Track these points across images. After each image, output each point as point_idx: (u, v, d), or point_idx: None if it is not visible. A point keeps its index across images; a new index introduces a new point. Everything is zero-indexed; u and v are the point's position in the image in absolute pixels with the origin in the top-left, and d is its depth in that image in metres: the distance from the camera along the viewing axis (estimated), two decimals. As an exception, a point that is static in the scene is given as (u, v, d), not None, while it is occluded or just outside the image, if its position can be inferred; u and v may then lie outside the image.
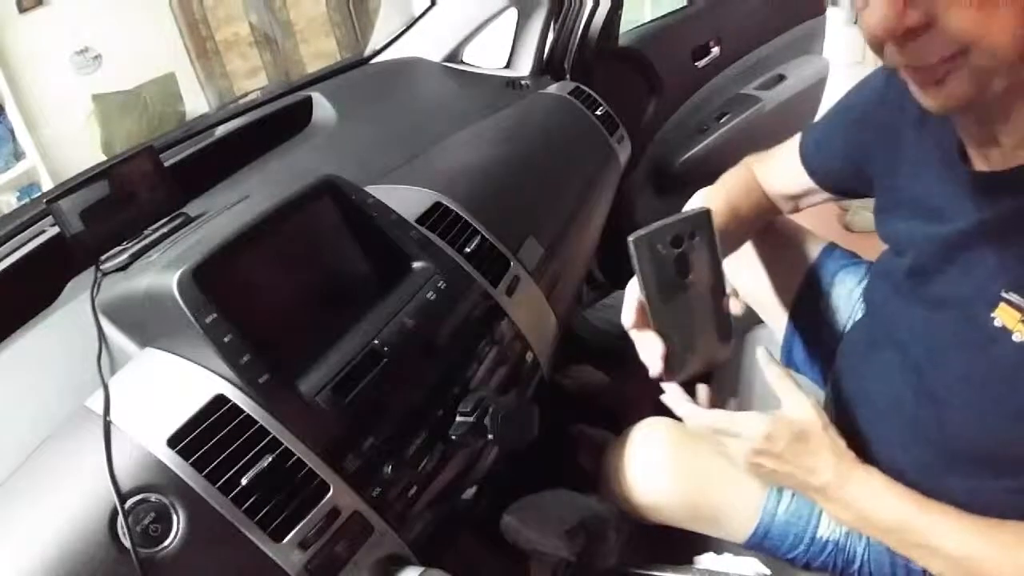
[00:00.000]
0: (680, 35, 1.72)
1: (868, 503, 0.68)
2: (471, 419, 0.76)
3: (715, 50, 1.76)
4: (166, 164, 0.93)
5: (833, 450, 0.69)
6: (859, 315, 1.01)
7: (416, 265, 0.83)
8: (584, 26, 1.47)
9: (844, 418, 0.81)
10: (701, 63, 1.74)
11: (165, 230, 0.87)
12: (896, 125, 0.71)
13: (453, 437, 0.77)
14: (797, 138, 0.93)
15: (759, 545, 0.85)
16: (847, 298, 1.02)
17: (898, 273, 0.72)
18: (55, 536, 0.57)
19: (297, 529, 0.64)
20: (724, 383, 1.21)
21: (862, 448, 0.77)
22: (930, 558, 0.66)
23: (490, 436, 0.76)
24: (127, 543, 0.58)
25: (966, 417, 0.64)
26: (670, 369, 0.70)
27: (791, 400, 0.71)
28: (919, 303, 0.68)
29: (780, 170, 0.95)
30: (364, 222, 0.81)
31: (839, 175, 0.86)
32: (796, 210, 0.98)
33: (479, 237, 0.94)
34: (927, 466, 0.69)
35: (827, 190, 0.89)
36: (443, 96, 1.44)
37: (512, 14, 1.50)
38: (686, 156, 1.68)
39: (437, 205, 0.95)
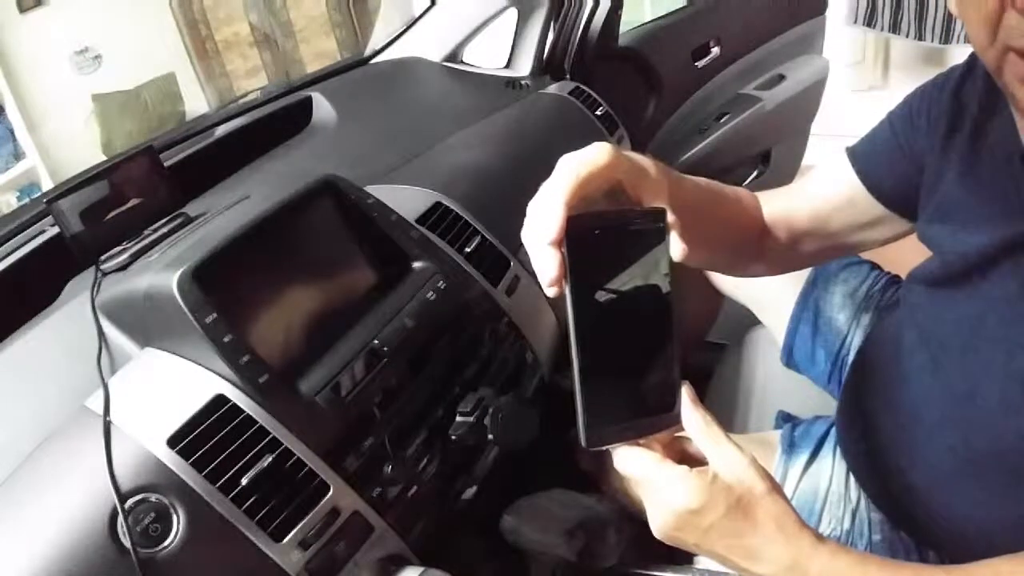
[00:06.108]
0: (680, 35, 1.72)
1: None
2: (471, 419, 0.76)
3: (715, 50, 1.76)
4: (166, 164, 0.93)
5: (782, 525, 0.50)
6: (864, 316, 1.01)
7: (416, 265, 0.83)
8: (584, 26, 1.47)
9: (859, 425, 0.81)
10: (701, 63, 1.74)
11: (165, 230, 0.87)
12: (950, 127, 0.68)
13: (453, 437, 0.77)
14: (821, 167, 0.80)
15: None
16: (850, 297, 1.02)
17: (941, 273, 0.70)
18: (55, 536, 0.57)
19: (297, 529, 0.64)
20: (723, 385, 1.21)
21: (877, 455, 0.77)
22: None
23: (490, 436, 0.76)
24: (127, 543, 0.58)
25: (999, 418, 0.63)
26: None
27: (722, 456, 0.50)
28: (964, 303, 0.67)
29: (809, 188, 0.80)
30: (364, 222, 0.81)
31: (889, 174, 0.74)
32: (790, 250, 0.80)
33: (479, 237, 0.94)
34: (946, 472, 0.68)
35: (876, 193, 0.75)
36: (443, 96, 1.44)
37: (512, 14, 1.50)
38: (686, 156, 1.68)
39: (437, 205, 0.95)
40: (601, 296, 0.46)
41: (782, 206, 0.79)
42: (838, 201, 0.77)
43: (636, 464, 0.49)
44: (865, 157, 0.76)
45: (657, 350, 0.48)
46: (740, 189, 0.79)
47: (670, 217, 0.48)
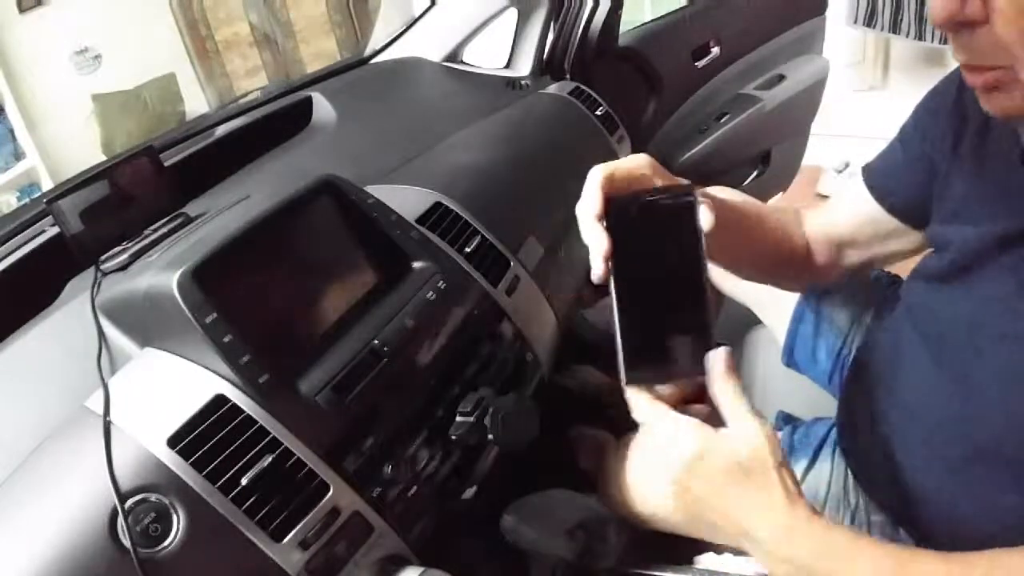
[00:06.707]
0: (680, 35, 1.72)
1: (829, 565, 0.52)
2: (471, 419, 0.76)
3: (715, 50, 1.76)
4: (166, 164, 0.93)
5: (785, 493, 0.52)
6: (865, 316, 1.01)
7: (416, 265, 0.83)
8: (584, 26, 1.47)
9: (859, 424, 0.81)
10: (701, 63, 1.74)
11: (165, 230, 0.87)
12: (957, 134, 0.70)
13: (453, 437, 0.77)
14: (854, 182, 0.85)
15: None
16: (851, 297, 1.02)
17: (942, 270, 0.71)
18: (55, 536, 0.57)
19: (297, 529, 0.64)
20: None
21: (878, 453, 0.77)
22: None
23: (490, 436, 0.76)
24: (127, 543, 0.58)
25: (999, 415, 0.63)
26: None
27: (741, 426, 0.53)
28: (963, 299, 0.68)
29: (836, 205, 0.86)
30: (364, 222, 0.81)
31: (901, 189, 0.78)
32: (833, 265, 0.87)
33: (479, 237, 0.94)
34: (946, 470, 0.69)
35: (890, 210, 0.79)
36: (443, 96, 1.44)
37: (512, 14, 1.50)
38: (686, 156, 1.68)
39: (437, 205, 0.95)
40: (640, 261, 0.54)
41: (818, 224, 0.86)
42: (860, 219, 0.82)
43: (650, 410, 0.54)
44: (878, 175, 0.80)
45: (691, 305, 0.54)
46: (786, 207, 0.87)
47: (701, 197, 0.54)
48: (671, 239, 0.54)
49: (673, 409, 0.54)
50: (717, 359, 0.54)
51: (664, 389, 0.56)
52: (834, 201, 0.87)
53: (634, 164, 0.59)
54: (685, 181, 0.60)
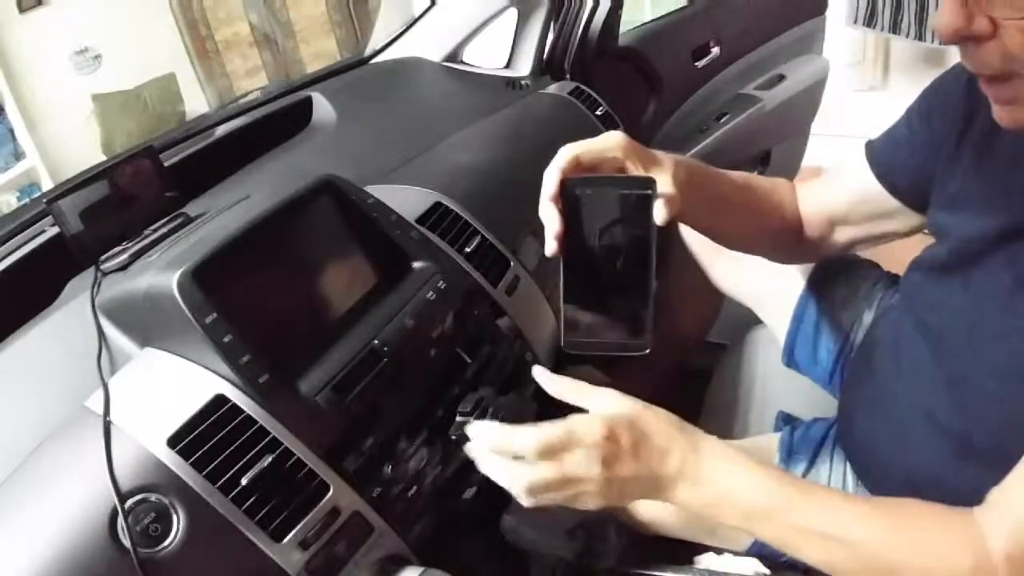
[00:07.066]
0: (680, 35, 1.72)
1: (732, 477, 0.59)
2: (471, 419, 0.76)
3: (715, 50, 1.76)
4: (166, 164, 0.93)
5: (673, 423, 0.60)
6: (865, 315, 1.01)
7: (416, 265, 0.83)
8: (584, 26, 1.47)
9: (860, 420, 0.81)
10: (701, 63, 1.74)
11: (165, 230, 0.87)
12: (965, 119, 0.70)
13: (453, 437, 0.77)
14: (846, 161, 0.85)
15: (759, 552, 0.84)
16: (852, 297, 1.02)
17: (941, 260, 0.72)
18: (55, 536, 0.57)
19: (297, 529, 0.64)
20: (723, 385, 1.21)
21: (878, 449, 0.77)
22: (812, 545, 0.59)
23: (490, 436, 0.75)
24: (127, 543, 0.58)
25: (996, 407, 0.64)
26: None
27: (597, 400, 0.60)
28: (962, 292, 0.68)
29: (832, 181, 0.85)
30: (364, 222, 0.81)
31: (904, 170, 0.77)
32: (824, 240, 0.86)
33: (479, 237, 0.94)
34: (944, 462, 0.69)
35: (890, 189, 0.78)
36: (443, 96, 1.44)
37: (512, 14, 1.50)
38: (686, 156, 1.68)
39: (437, 205, 0.95)
40: (590, 241, 0.57)
41: (813, 198, 0.85)
42: (857, 195, 0.81)
43: (547, 436, 0.57)
44: (881, 153, 0.79)
45: (634, 289, 0.57)
46: (779, 181, 0.86)
47: (666, 189, 0.58)
48: (622, 228, 0.56)
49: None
50: (539, 373, 0.63)
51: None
52: (830, 177, 0.85)
53: (604, 145, 0.60)
54: (667, 163, 0.62)
